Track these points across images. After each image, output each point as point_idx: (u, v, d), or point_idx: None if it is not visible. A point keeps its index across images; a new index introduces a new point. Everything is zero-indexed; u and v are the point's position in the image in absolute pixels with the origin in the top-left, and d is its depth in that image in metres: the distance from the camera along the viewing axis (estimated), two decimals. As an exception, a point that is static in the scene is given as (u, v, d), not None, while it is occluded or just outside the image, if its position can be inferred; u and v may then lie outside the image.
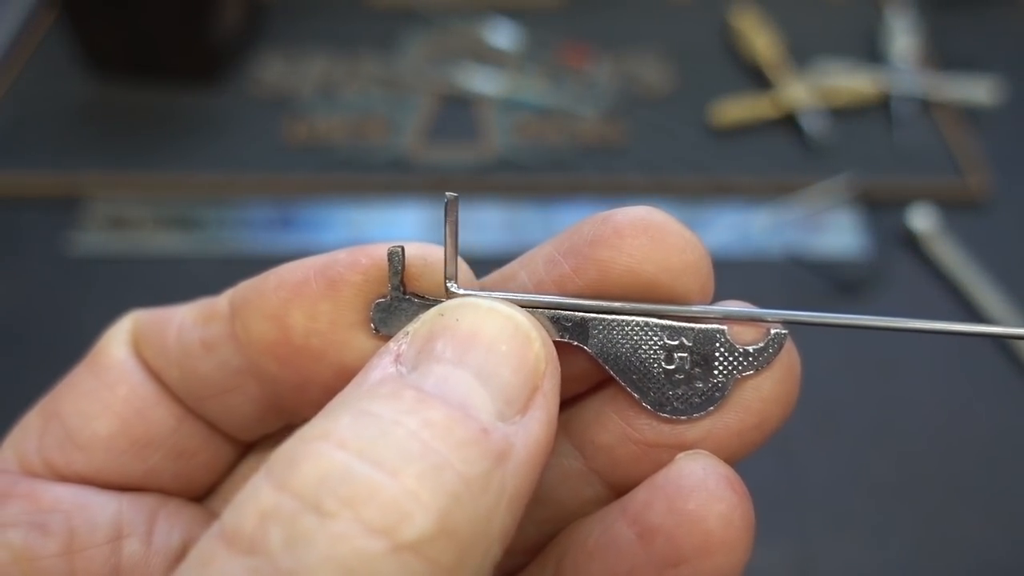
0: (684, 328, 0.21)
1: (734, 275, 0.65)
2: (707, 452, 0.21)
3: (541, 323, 0.20)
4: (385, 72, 0.81)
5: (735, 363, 0.21)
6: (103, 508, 0.22)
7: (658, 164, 0.73)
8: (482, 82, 0.79)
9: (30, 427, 0.23)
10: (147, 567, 0.22)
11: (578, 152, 0.74)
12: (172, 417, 0.23)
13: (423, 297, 0.21)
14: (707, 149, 0.74)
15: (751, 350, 0.21)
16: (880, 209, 0.70)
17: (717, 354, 0.21)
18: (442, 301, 0.21)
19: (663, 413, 0.21)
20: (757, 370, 0.21)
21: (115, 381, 0.23)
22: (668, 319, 0.21)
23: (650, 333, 0.21)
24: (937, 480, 0.56)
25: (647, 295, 0.21)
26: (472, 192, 0.71)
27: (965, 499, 0.55)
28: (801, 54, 0.81)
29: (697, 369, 0.21)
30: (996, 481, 0.56)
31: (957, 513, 0.54)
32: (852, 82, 0.77)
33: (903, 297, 0.65)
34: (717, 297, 0.22)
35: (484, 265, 0.23)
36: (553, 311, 0.21)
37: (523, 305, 0.21)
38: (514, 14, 0.87)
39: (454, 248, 0.21)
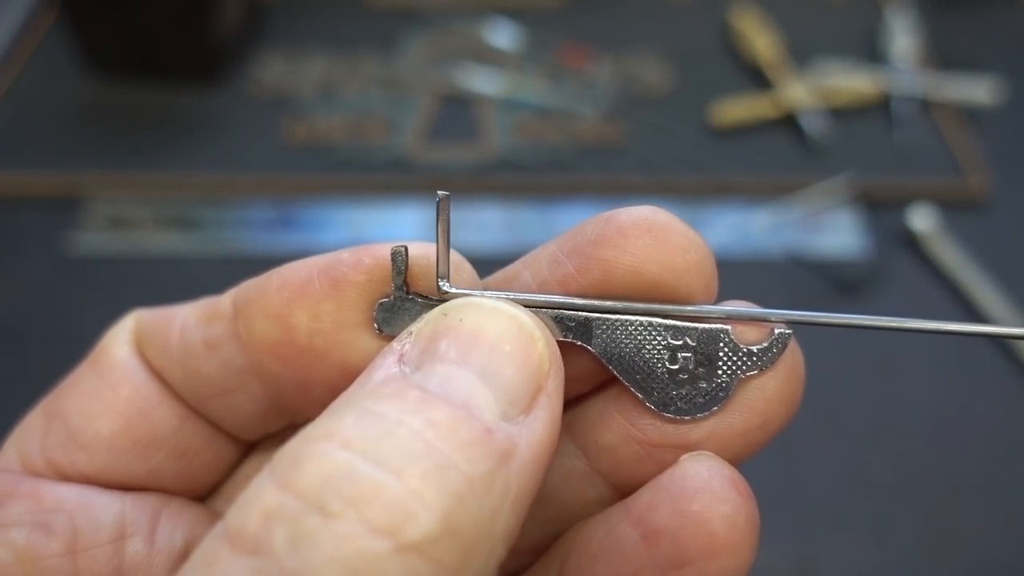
0: (688, 328, 0.21)
1: (734, 275, 0.65)
2: (711, 453, 0.21)
3: (545, 323, 0.20)
4: (385, 72, 0.81)
5: (739, 363, 0.21)
6: (106, 508, 0.22)
7: (658, 164, 0.73)
8: (482, 82, 0.79)
9: (32, 426, 0.23)
10: (150, 567, 0.22)
11: (578, 152, 0.74)
12: (175, 417, 0.23)
13: (426, 297, 0.21)
14: (707, 149, 0.74)
15: (755, 350, 0.21)
16: (880, 209, 0.70)
17: (721, 354, 0.21)
18: (446, 301, 0.20)
19: (667, 413, 0.21)
20: (761, 370, 0.21)
21: (118, 380, 0.23)
22: (672, 319, 0.21)
23: (654, 333, 0.21)
24: (937, 480, 0.56)
25: (651, 295, 0.21)
26: (472, 192, 0.71)
27: (965, 499, 0.55)
28: (801, 54, 0.81)
29: (701, 369, 0.21)
30: (996, 481, 0.56)
31: (957, 513, 0.54)
32: (852, 82, 0.77)
33: (903, 297, 0.65)
34: (718, 297, 0.22)
35: (484, 265, 0.23)
36: (556, 311, 0.21)
37: (526, 305, 0.20)
38: (514, 14, 0.87)
39: (446, 247, 0.21)
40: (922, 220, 0.67)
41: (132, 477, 0.23)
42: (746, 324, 0.21)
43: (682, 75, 0.81)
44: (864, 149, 0.74)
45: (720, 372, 0.21)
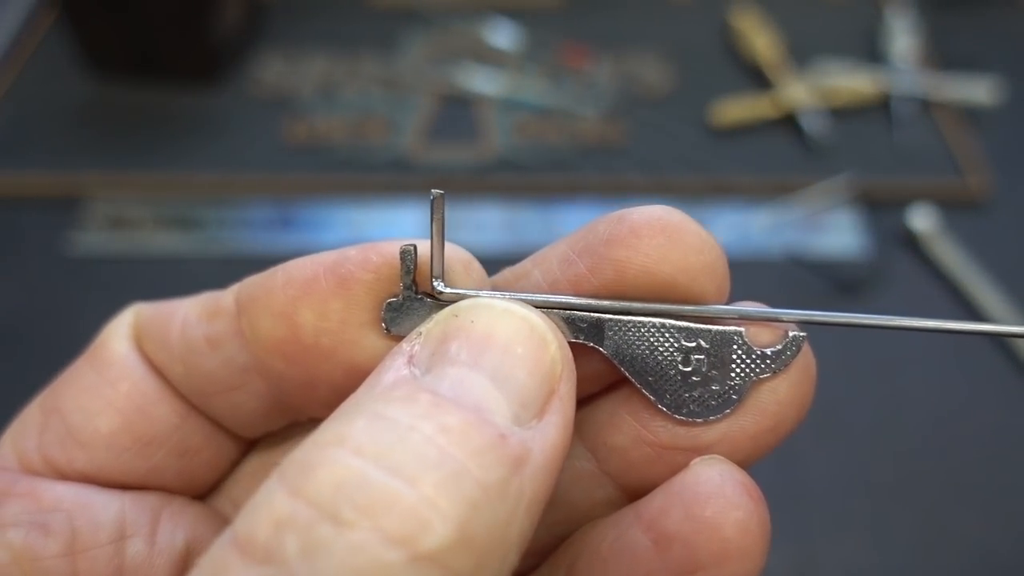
0: (701, 330, 0.21)
1: (734, 275, 0.64)
2: (723, 457, 0.20)
3: (556, 324, 0.20)
4: (385, 72, 0.81)
5: (753, 365, 0.21)
6: (106, 507, 0.22)
7: (658, 164, 0.73)
8: (482, 82, 0.79)
9: (29, 423, 0.22)
10: (151, 567, 0.22)
11: (578, 152, 0.74)
12: (175, 414, 0.23)
13: (435, 297, 0.20)
14: (707, 149, 0.74)
15: (769, 352, 0.21)
16: (880, 209, 0.70)
17: (734, 356, 0.21)
18: (456, 301, 0.20)
19: (679, 416, 0.21)
20: (774, 372, 0.21)
21: (117, 377, 0.22)
22: (685, 320, 0.21)
23: (667, 335, 0.21)
24: (937, 479, 0.56)
25: (663, 296, 0.20)
26: (472, 192, 0.71)
27: (965, 498, 0.55)
28: (801, 54, 0.81)
29: (714, 371, 0.21)
30: (996, 480, 0.56)
31: (957, 512, 0.54)
32: (852, 82, 0.77)
33: (903, 297, 0.65)
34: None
35: (484, 265, 0.22)
36: (568, 312, 0.21)
37: (536, 305, 0.20)
38: (514, 14, 0.87)
39: (440, 246, 0.20)
40: (922, 220, 0.67)
41: (131, 476, 0.22)
42: (760, 326, 0.21)
43: (682, 75, 0.81)
44: (864, 149, 0.74)
45: (733, 374, 0.21)
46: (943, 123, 0.76)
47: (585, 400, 0.23)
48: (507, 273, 0.22)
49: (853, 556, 0.52)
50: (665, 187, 0.71)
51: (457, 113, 0.77)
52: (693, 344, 0.21)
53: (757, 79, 0.79)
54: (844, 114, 0.76)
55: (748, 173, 0.72)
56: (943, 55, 0.82)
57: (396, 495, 0.15)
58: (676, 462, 0.21)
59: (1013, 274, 0.65)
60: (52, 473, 0.22)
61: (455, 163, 0.73)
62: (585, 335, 0.21)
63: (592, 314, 0.21)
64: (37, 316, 0.64)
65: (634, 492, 0.22)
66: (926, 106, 0.77)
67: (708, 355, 0.21)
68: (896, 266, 0.66)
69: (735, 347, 0.21)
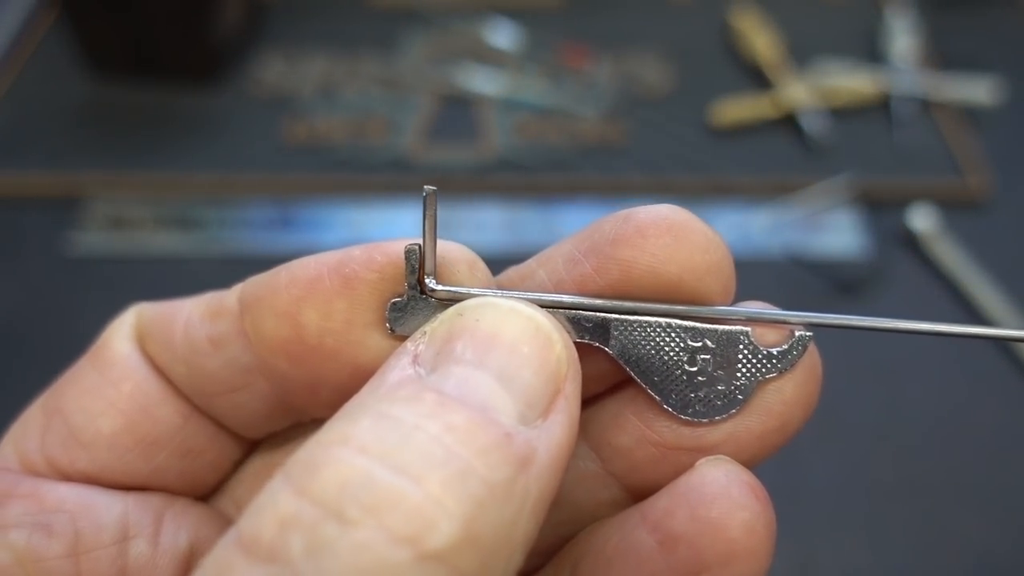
0: (707, 330, 0.20)
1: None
2: (728, 458, 0.20)
3: (561, 324, 0.20)
4: (385, 72, 0.81)
5: (758, 365, 0.20)
6: (109, 508, 0.22)
7: (658, 164, 0.73)
8: (482, 82, 0.79)
9: (31, 424, 0.22)
10: (154, 568, 0.22)
11: (578, 152, 0.74)
12: (178, 415, 0.23)
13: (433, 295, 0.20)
14: (707, 149, 0.74)
15: (775, 352, 0.20)
16: (880, 209, 0.70)
17: (740, 356, 0.20)
18: (461, 300, 0.20)
19: (684, 416, 0.21)
20: (780, 373, 0.20)
21: (119, 377, 0.22)
22: (691, 320, 0.20)
23: (673, 335, 0.21)
24: (937, 479, 0.56)
25: (669, 296, 0.20)
26: (472, 192, 0.71)
27: (965, 499, 0.55)
28: (801, 54, 0.81)
29: (720, 371, 0.20)
30: (996, 481, 0.56)
31: (957, 513, 0.54)
32: (852, 82, 0.77)
33: (903, 297, 0.65)
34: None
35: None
36: (573, 311, 0.20)
37: (542, 305, 0.20)
38: (514, 14, 0.86)
39: (433, 243, 0.20)
40: (922, 220, 0.67)
41: (134, 477, 0.22)
42: (766, 326, 0.21)
43: (682, 75, 0.81)
44: (864, 149, 0.74)
45: (739, 374, 0.20)
46: (943, 123, 0.76)
47: (590, 400, 0.23)
48: (512, 273, 0.22)
49: (853, 556, 0.52)
50: (665, 187, 0.71)
51: (457, 113, 0.77)
52: (699, 344, 0.21)
53: (757, 79, 0.80)
54: (844, 114, 0.76)
55: (748, 173, 0.72)
56: (943, 55, 0.82)
57: (402, 494, 0.15)
58: (681, 462, 0.21)
59: (1013, 274, 0.65)
60: (54, 474, 0.22)
61: (455, 163, 0.73)
62: (590, 335, 0.21)
63: (597, 314, 0.20)
64: (37, 316, 0.64)
65: (639, 492, 0.22)
66: (926, 106, 0.77)
67: (714, 355, 0.21)
68: (896, 266, 0.66)
69: (741, 347, 0.20)
